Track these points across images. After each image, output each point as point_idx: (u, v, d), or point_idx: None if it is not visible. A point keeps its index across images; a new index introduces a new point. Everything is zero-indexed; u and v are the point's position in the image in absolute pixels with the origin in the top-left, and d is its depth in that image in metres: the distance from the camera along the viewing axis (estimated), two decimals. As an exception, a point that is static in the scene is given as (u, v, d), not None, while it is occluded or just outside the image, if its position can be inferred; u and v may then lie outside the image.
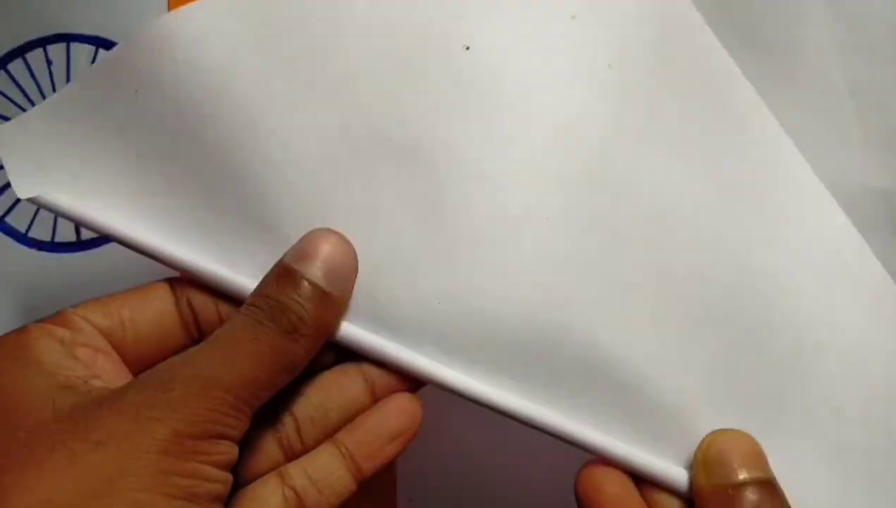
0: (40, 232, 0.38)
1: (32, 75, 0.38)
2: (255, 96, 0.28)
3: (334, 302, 0.27)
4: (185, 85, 0.28)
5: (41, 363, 0.25)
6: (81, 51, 0.38)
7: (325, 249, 0.27)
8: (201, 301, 0.28)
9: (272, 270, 0.27)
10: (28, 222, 0.38)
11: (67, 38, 0.38)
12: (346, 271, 0.27)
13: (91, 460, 0.23)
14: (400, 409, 0.28)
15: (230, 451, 0.25)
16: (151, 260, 0.38)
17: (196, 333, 0.29)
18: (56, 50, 0.38)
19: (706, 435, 0.27)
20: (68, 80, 0.38)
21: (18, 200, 0.38)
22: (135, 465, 0.23)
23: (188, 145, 0.28)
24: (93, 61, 0.38)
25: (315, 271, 0.26)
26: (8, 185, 0.38)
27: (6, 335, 0.26)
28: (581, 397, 0.28)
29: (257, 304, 0.26)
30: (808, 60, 0.37)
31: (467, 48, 0.28)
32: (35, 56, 0.38)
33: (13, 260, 0.38)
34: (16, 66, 0.38)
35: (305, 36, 0.28)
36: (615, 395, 0.28)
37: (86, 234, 0.38)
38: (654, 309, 0.28)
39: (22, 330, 0.26)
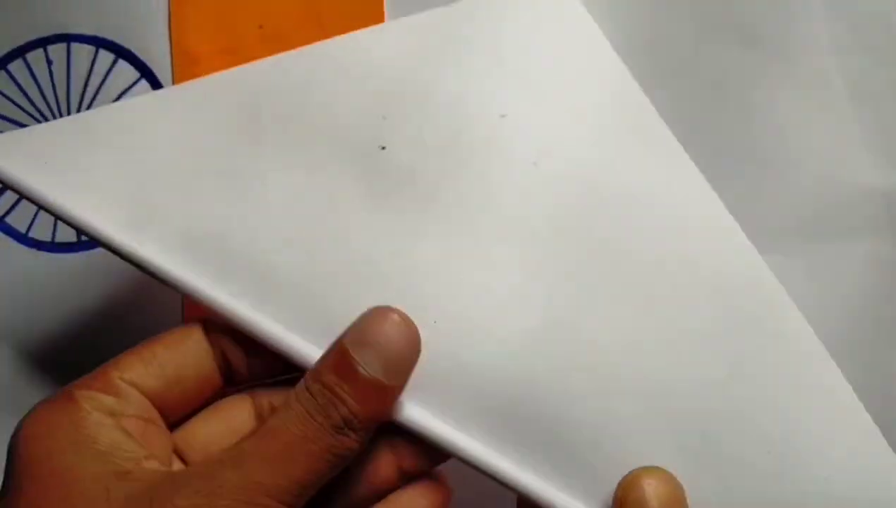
0: (40, 232, 0.38)
1: (33, 75, 0.38)
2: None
3: (390, 392, 0.26)
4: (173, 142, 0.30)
5: (96, 443, 0.25)
6: (82, 51, 0.38)
7: (386, 334, 0.26)
8: (228, 341, 0.28)
9: (330, 349, 0.26)
10: (28, 222, 0.38)
11: (68, 39, 0.38)
12: (406, 359, 0.26)
13: None
14: (430, 489, 0.28)
15: None
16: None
17: (228, 373, 0.28)
18: (56, 50, 0.38)
19: (629, 472, 0.26)
20: (68, 80, 0.38)
21: (19, 200, 0.38)
22: None
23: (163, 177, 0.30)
24: (93, 61, 0.38)
25: (373, 361, 0.25)
26: (8, 185, 0.38)
27: (52, 405, 0.26)
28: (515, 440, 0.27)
29: (312, 391, 0.25)
30: (808, 60, 0.37)
31: (383, 148, 0.29)
32: (35, 56, 0.38)
33: (13, 261, 0.38)
34: (16, 67, 0.38)
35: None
36: (544, 435, 0.27)
37: (86, 234, 0.38)
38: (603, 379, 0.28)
39: (69, 400, 0.25)
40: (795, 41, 0.37)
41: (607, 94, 0.30)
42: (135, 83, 0.38)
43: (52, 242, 0.38)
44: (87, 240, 0.38)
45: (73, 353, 0.38)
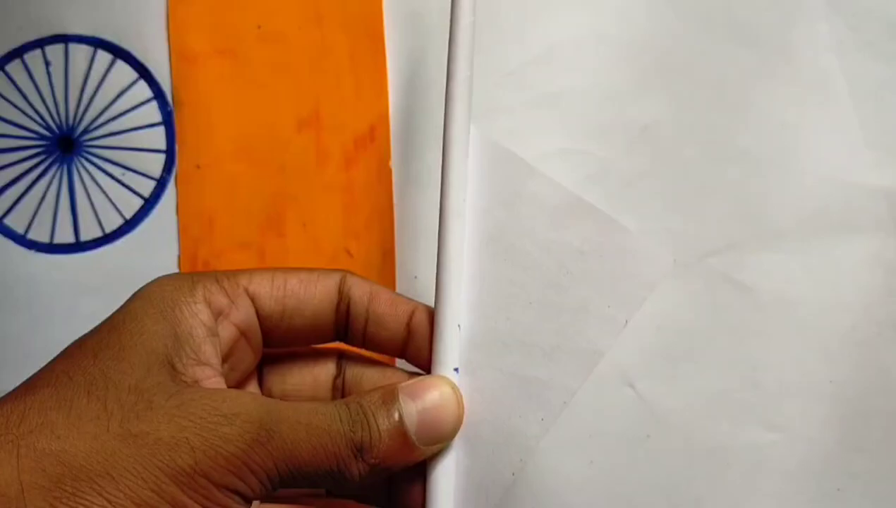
0: (39, 233, 0.38)
1: (31, 77, 0.38)
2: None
3: (413, 451, 0.26)
4: None
5: (179, 325, 0.26)
6: (79, 52, 0.38)
7: (433, 398, 0.27)
8: (359, 295, 0.29)
9: (384, 386, 0.27)
10: (27, 224, 0.38)
11: (66, 39, 0.38)
12: (441, 431, 0.27)
13: (113, 445, 0.23)
14: None
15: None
16: (147, 262, 0.38)
17: (344, 325, 0.29)
18: (54, 51, 0.38)
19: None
20: (66, 80, 0.38)
21: (18, 201, 0.38)
22: (143, 474, 0.23)
23: None
24: (91, 62, 0.38)
25: (412, 414, 0.26)
26: (7, 186, 0.38)
27: (177, 277, 0.28)
28: None
29: (350, 403, 0.26)
30: (807, 60, 0.37)
31: None
32: (33, 57, 0.38)
33: (11, 262, 0.38)
34: (14, 68, 0.38)
35: None
36: None
37: (84, 236, 0.38)
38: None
39: (190, 281, 0.27)
40: (795, 41, 0.37)
41: None
42: (133, 84, 0.38)
43: (51, 243, 0.38)
44: (85, 242, 0.38)
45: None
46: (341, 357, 0.30)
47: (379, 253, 0.37)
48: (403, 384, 0.27)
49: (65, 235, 0.38)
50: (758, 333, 0.37)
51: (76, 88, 0.38)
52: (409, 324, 0.29)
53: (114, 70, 0.38)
